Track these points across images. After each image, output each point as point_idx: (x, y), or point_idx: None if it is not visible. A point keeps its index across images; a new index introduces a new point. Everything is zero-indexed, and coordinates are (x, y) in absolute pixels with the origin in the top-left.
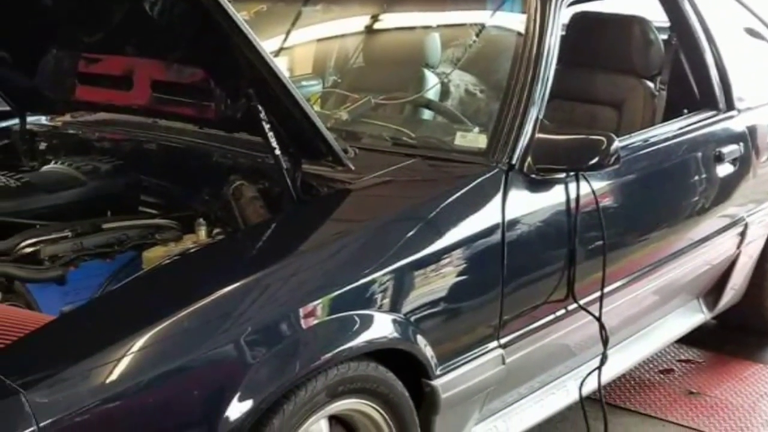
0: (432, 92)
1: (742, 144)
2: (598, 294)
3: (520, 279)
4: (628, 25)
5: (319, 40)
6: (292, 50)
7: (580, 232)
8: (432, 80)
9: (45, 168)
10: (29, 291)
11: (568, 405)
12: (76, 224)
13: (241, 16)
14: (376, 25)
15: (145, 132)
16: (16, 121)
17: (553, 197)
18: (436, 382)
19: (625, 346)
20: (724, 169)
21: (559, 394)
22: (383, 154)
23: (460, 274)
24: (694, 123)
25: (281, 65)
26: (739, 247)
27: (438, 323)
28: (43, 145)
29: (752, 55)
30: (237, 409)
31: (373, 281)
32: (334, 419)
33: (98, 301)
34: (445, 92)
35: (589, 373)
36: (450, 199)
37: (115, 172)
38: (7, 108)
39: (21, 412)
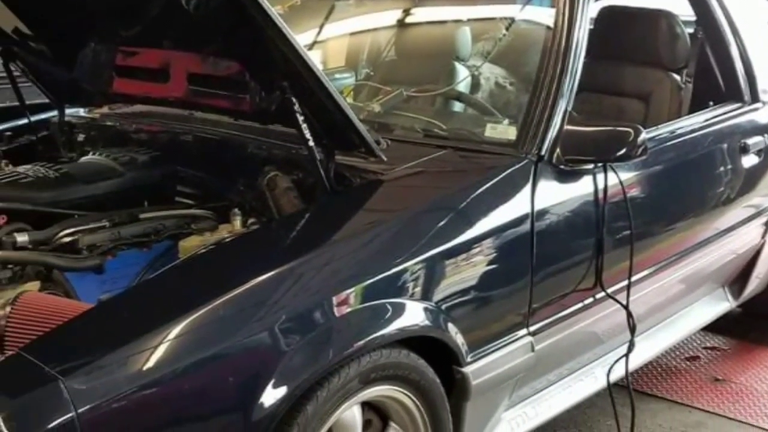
0: (463, 85)
1: (767, 135)
2: (625, 283)
3: (549, 268)
4: (654, 18)
5: (351, 34)
6: (325, 44)
7: (607, 221)
8: (463, 73)
9: (83, 159)
10: (68, 280)
11: (596, 391)
12: (114, 214)
13: (275, 10)
14: (408, 19)
15: (181, 124)
16: (56, 113)
17: (582, 188)
18: (467, 369)
19: (651, 334)
20: (749, 160)
21: (587, 381)
22: (415, 145)
23: (490, 263)
24: (720, 115)
25: (315, 58)
26: (763, 236)
27: (468, 311)
28: (81, 137)
29: None
30: (271, 395)
31: (404, 270)
32: (366, 405)
33: (135, 290)
34: (475, 85)
35: (617, 360)
36: (480, 190)
37: (151, 163)
38: (47, 100)
39: (59, 399)
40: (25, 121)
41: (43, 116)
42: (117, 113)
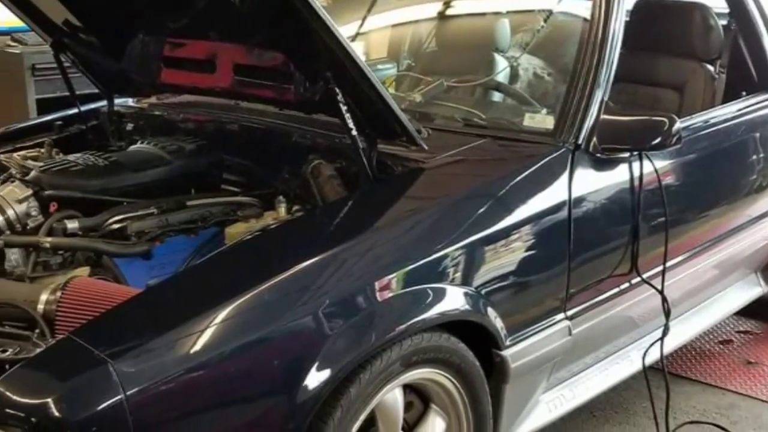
0: (502, 75)
1: None
2: (660, 268)
3: (586, 254)
4: (689, 11)
5: (393, 26)
6: (367, 35)
7: (643, 208)
8: (502, 64)
9: (132, 148)
10: (117, 265)
11: (632, 374)
12: (162, 201)
13: (319, 3)
14: (448, 11)
15: (227, 113)
16: (105, 103)
17: (618, 175)
18: (506, 353)
19: (686, 318)
20: None
21: (623, 364)
22: (455, 134)
23: (528, 249)
24: (752, 105)
25: (358, 49)
26: None
27: (507, 296)
28: (130, 126)
29: None
30: (315, 378)
31: (445, 256)
32: (408, 388)
33: (182, 275)
34: (514, 75)
35: (652, 344)
36: (519, 178)
37: (198, 151)
38: (97, 90)
39: (109, 381)
40: (75, 110)
41: (92, 106)
42: (165, 103)
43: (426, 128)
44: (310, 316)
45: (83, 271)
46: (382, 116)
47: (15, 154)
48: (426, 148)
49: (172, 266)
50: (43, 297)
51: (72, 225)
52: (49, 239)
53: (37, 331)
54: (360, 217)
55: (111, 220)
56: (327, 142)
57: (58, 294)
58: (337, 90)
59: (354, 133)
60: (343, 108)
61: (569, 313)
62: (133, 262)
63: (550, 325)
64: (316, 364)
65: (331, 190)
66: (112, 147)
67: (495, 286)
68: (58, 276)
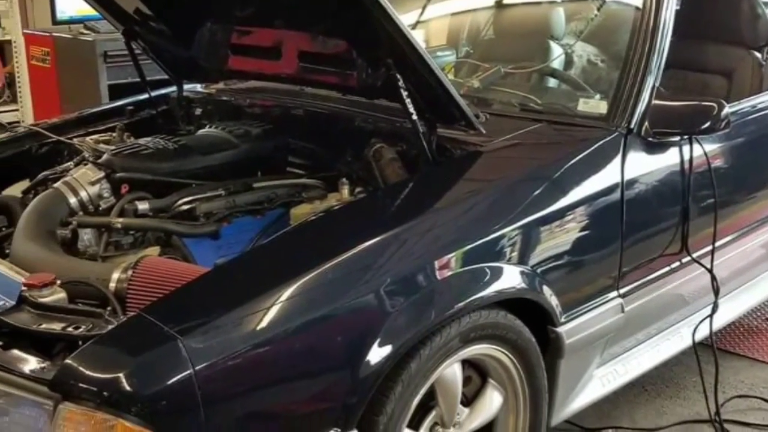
0: (557, 62)
1: None
2: (710, 248)
3: (638, 234)
4: (737, 0)
5: (452, 14)
6: (427, 23)
7: (693, 190)
8: (557, 51)
9: (200, 132)
10: (186, 245)
11: (682, 350)
12: (229, 183)
13: None
14: (505, 0)
15: (292, 99)
16: (174, 88)
17: (669, 159)
18: (561, 329)
19: (734, 296)
20: None
21: (673, 340)
22: (512, 119)
23: (582, 229)
24: None
25: (418, 37)
26: None
27: (562, 275)
28: (198, 111)
29: None
30: (377, 353)
31: (502, 236)
32: (466, 363)
33: (249, 255)
34: (568, 62)
35: (702, 321)
36: (573, 161)
37: (264, 135)
38: (166, 77)
39: (178, 357)
40: (145, 96)
41: (162, 92)
42: (232, 89)
43: (484, 113)
44: (372, 294)
45: (153, 250)
46: (442, 101)
47: (88, 138)
48: (484, 132)
49: (239, 246)
50: (115, 276)
51: (143, 206)
52: (121, 220)
53: (109, 308)
54: (420, 199)
55: (180, 202)
56: (388, 127)
57: (130, 273)
58: (399, 76)
59: (414, 117)
60: (404, 93)
61: (622, 291)
62: (201, 242)
63: (604, 303)
64: (377, 341)
65: (392, 172)
66: (182, 131)
67: (550, 265)
68: (129, 255)
